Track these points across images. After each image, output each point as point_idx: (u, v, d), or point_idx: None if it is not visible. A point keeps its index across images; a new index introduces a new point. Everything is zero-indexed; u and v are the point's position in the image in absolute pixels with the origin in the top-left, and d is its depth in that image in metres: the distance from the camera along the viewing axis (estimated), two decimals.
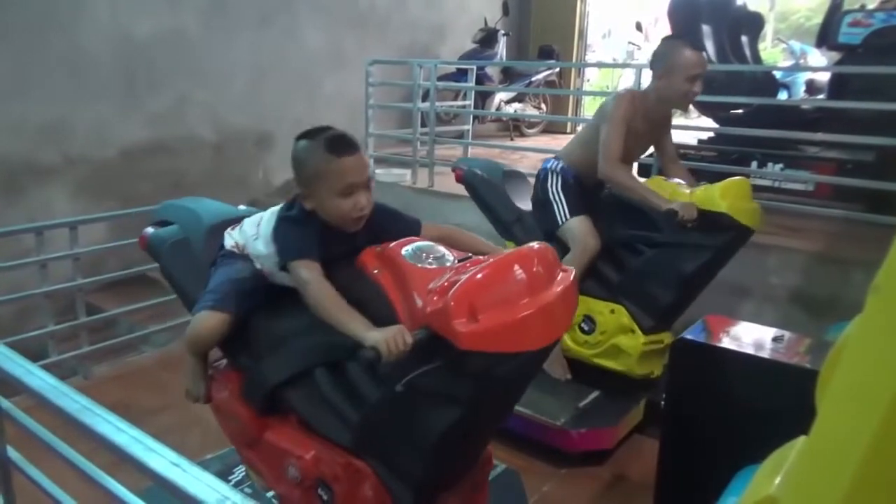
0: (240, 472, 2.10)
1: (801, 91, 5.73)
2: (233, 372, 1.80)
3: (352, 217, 1.51)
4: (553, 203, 2.69)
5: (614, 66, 11.56)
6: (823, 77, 5.28)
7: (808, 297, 3.06)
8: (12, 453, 1.55)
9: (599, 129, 2.58)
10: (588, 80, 9.72)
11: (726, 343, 1.80)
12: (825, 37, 4.14)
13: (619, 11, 11.32)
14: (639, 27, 9.07)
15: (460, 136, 6.02)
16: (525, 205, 2.88)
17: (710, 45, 4.51)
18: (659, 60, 2.51)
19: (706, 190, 2.41)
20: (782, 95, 5.04)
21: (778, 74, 5.05)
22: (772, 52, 10.28)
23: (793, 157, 3.94)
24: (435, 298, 1.21)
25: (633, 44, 10.53)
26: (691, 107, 3.83)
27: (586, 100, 8.09)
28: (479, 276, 1.18)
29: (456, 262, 1.38)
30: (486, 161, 3.20)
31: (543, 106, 7.55)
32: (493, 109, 6.71)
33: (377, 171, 5.12)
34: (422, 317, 1.25)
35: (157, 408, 2.85)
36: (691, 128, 5.62)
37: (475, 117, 6.37)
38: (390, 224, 1.62)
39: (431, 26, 6.95)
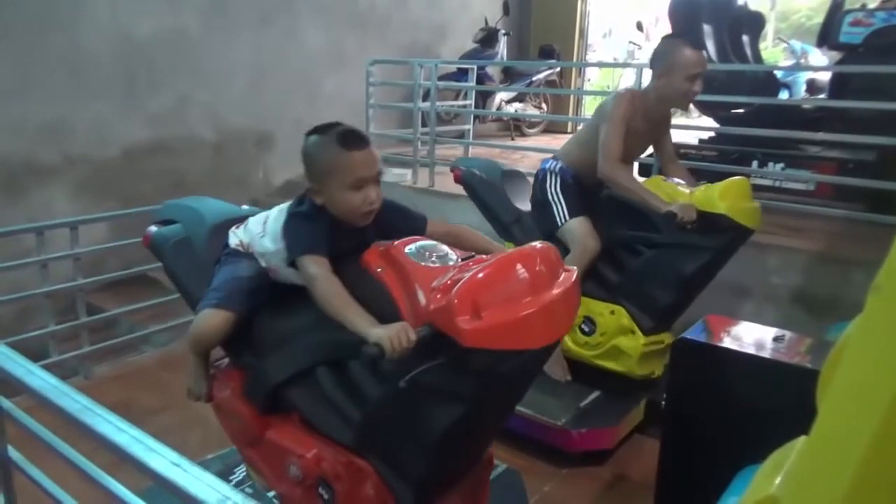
0: (241, 472, 2.10)
1: (801, 90, 5.73)
2: (235, 371, 1.80)
3: (362, 211, 1.52)
4: (552, 204, 2.68)
5: (615, 65, 11.55)
6: (824, 76, 5.28)
7: (809, 296, 3.06)
8: (13, 453, 1.56)
9: (599, 129, 2.56)
10: (589, 80, 9.72)
11: (727, 343, 1.80)
12: (826, 36, 4.13)
13: (619, 11, 11.32)
14: (639, 27, 9.06)
15: (461, 135, 6.02)
16: (525, 205, 2.88)
17: (710, 45, 4.50)
18: (659, 59, 2.50)
19: (706, 190, 2.40)
20: (783, 95, 5.04)
21: (779, 74, 5.05)
22: (773, 52, 10.28)
23: (794, 157, 3.93)
24: (438, 296, 1.22)
25: (634, 43, 10.53)
26: (692, 106, 3.83)
27: (587, 99, 8.08)
28: (483, 274, 1.18)
29: (459, 261, 1.39)
30: (484, 161, 3.20)
31: (544, 106, 7.55)
32: (493, 109, 6.70)
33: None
34: (425, 314, 1.25)
35: (157, 408, 2.85)
36: (692, 127, 5.62)
37: (476, 117, 6.37)
38: (398, 220, 1.64)
39: (432, 26, 6.95)
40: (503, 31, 6.90)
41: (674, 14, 4.62)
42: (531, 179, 2.94)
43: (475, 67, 6.09)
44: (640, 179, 2.65)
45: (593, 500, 2.35)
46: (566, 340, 2.69)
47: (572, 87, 7.89)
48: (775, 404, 1.53)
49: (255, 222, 1.74)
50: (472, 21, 7.10)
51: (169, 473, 0.99)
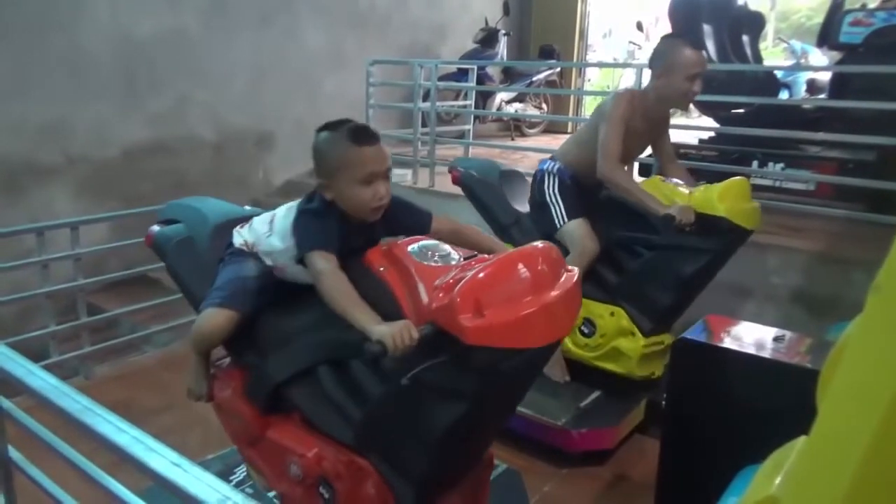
0: (241, 472, 2.10)
1: (802, 90, 5.73)
2: (236, 370, 1.80)
3: (371, 206, 1.53)
4: (550, 206, 2.66)
5: (615, 65, 11.54)
6: (824, 76, 5.28)
7: (810, 296, 3.06)
8: (13, 453, 1.56)
9: (598, 129, 2.55)
10: (589, 80, 9.71)
11: (727, 343, 1.80)
12: (826, 36, 4.13)
13: (619, 11, 11.31)
14: (640, 27, 9.06)
15: (461, 136, 6.02)
16: (524, 206, 2.87)
17: (710, 45, 4.50)
18: (658, 59, 2.49)
19: (704, 192, 2.39)
20: (783, 95, 5.04)
21: (779, 74, 5.05)
22: (773, 52, 10.28)
23: (794, 157, 3.93)
24: (441, 295, 1.23)
25: (634, 43, 10.52)
26: (692, 106, 3.82)
27: (587, 100, 8.08)
28: (485, 273, 1.19)
29: (461, 260, 1.40)
30: (483, 161, 3.19)
31: (544, 106, 7.55)
32: (493, 109, 6.70)
33: None
34: (428, 313, 1.26)
35: (158, 408, 2.85)
36: (692, 127, 5.62)
37: (476, 117, 6.37)
38: (405, 216, 1.66)
39: (432, 26, 6.95)
40: (503, 32, 6.90)
41: (674, 14, 4.62)
42: (530, 179, 2.94)
43: (475, 68, 6.09)
44: (640, 179, 2.65)
45: (594, 500, 2.35)
46: (566, 342, 2.69)
47: (572, 88, 7.88)
48: (775, 404, 1.53)
49: (260, 222, 1.74)
50: (472, 21, 7.10)
51: (169, 473, 0.99)
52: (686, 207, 2.33)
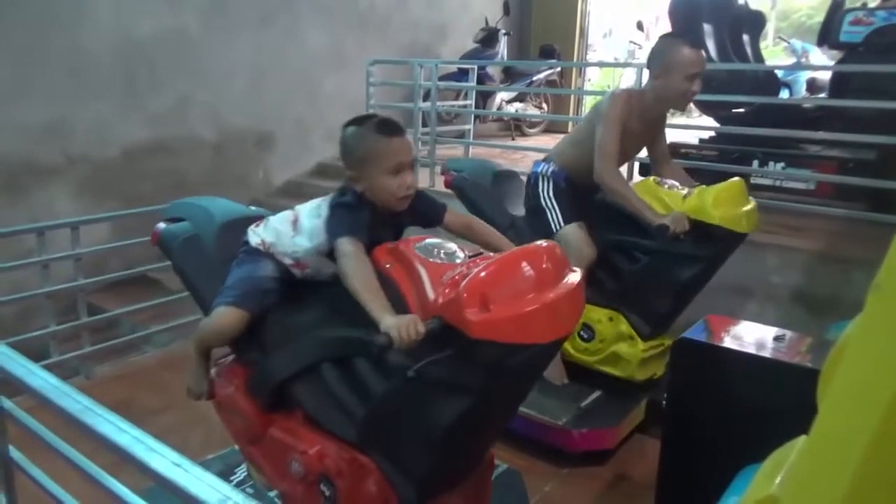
0: (241, 472, 2.10)
1: (802, 90, 5.73)
2: (238, 367, 1.81)
3: (399, 196, 1.57)
4: (546, 210, 2.63)
5: (615, 65, 11.54)
6: (825, 76, 5.27)
7: (810, 296, 3.06)
8: (14, 453, 1.56)
9: (594, 129, 2.52)
10: (589, 80, 9.71)
11: (727, 343, 1.79)
12: (826, 35, 4.13)
13: (620, 10, 11.31)
14: (640, 26, 9.05)
15: (461, 135, 6.02)
16: (520, 208, 2.84)
17: (711, 44, 4.50)
18: (656, 59, 2.46)
19: (699, 196, 2.36)
20: (784, 94, 5.04)
21: (779, 73, 5.05)
22: (773, 51, 10.27)
23: (794, 156, 3.93)
24: (447, 290, 1.25)
25: (635, 43, 10.51)
26: (692, 105, 3.82)
27: (587, 99, 8.07)
28: (491, 269, 1.21)
29: (466, 258, 1.41)
30: (477, 162, 3.15)
31: (545, 105, 7.54)
32: (494, 109, 6.70)
33: None
34: (434, 308, 1.27)
35: (158, 408, 2.85)
36: (692, 127, 5.62)
37: (476, 117, 6.37)
38: (424, 207, 1.70)
39: (432, 26, 6.95)
40: (503, 31, 6.90)
41: (674, 13, 4.62)
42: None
43: (475, 67, 6.09)
44: (638, 179, 2.64)
45: (594, 499, 2.35)
46: (566, 346, 2.66)
47: (573, 87, 7.88)
48: (776, 404, 1.53)
49: (280, 221, 1.75)
50: (472, 21, 7.10)
51: (170, 474, 0.99)
52: (680, 216, 2.31)
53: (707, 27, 4.51)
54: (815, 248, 3.20)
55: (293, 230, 1.70)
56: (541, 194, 2.66)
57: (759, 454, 0.82)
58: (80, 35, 4.35)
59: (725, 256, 2.48)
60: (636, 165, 3.86)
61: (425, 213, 1.70)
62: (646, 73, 2.60)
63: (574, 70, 7.90)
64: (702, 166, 3.76)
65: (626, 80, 9.69)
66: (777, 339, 1.79)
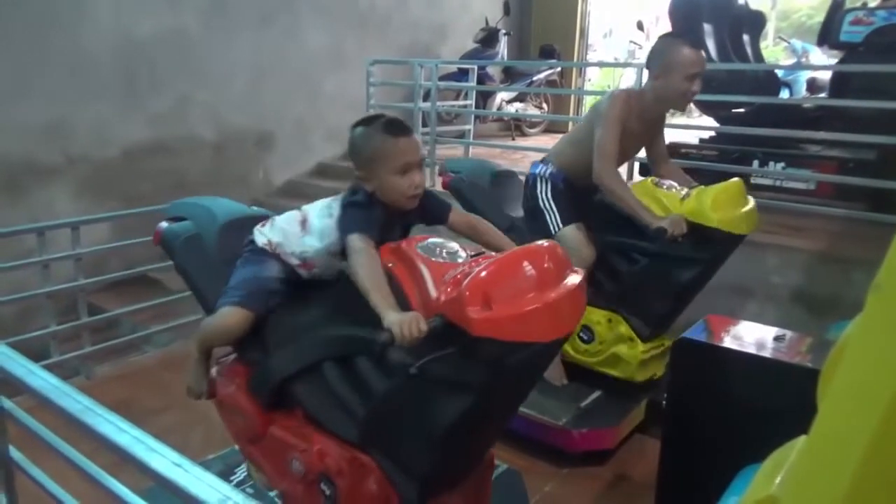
0: (242, 472, 2.11)
1: (802, 90, 5.73)
2: (239, 366, 1.82)
3: (408, 195, 1.59)
4: (544, 211, 2.62)
5: (615, 65, 11.54)
6: (825, 76, 5.27)
7: (810, 296, 3.06)
8: (14, 453, 1.56)
9: (593, 129, 2.50)
10: (589, 80, 9.71)
11: (727, 343, 1.79)
12: (827, 35, 4.13)
13: (620, 10, 11.31)
14: (640, 26, 9.05)
15: (462, 135, 6.02)
16: (519, 209, 2.82)
17: (711, 44, 4.50)
18: (656, 59, 2.44)
19: (697, 198, 2.35)
20: (784, 94, 5.04)
21: (779, 73, 5.05)
22: (773, 51, 10.28)
23: (794, 156, 3.93)
24: (449, 289, 1.25)
25: (635, 43, 10.51)
26: (692, 105, 3.81)
27: (588, 99, 8.07)
28: (493, 268, 1.22)
29: (468, 257, 1.42)
30: (475, 162, 3.13)
31: (545, 105, 7.54)
32: (494, 109, 6.70)
33: None
34: (436, 307, 1.28)
35: (159, 408, 2.85)
36: (692, 127, 5.62)
37: (476, 117, 6.37)
38: (431, 205, 1.71)
39: (432, 26, 6.95)
40: (504, 31, 6.90)
41: (674, 13, 4.62)
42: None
43: (476, 67, 6.09)
44: (638, 179, 2.63)
45: (594, 499, 2.35)
46: (566, 347, 2.66)
47: (573, 87, 7.88)
48: (776, 404, 1.53)
49: (287, 221, 1.75)
50: (472, 21, 7.10)
51: (170, 474, 0.99)
52: (678, 219, 2.30)
53: (707, 27, 4.51)
54: (816, 248, 3.20)
55: (302, 230, 1.70)
56: (539, 196, 2.65)
57: (760, 454, 0.82)
58: (80, 35, 4.35)
59: (724, 258, 2.48)
60: (636, 165, 3.85)
61: (432, 211, 1.72)
62: (646, 74, 2.59)
63: (574, 70, 7.90)
64: (702, 166, 3.76)
65: (627, 80, 9.69)
66: (777, 339, 1.79)
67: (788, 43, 7.69)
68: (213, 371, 1.89)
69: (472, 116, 6.07)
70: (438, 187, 4.63)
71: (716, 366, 1.79)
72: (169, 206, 2.09)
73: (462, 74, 6.28)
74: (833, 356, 0.61)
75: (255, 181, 5.58)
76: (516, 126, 7.21)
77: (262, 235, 1.75)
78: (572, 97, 7.90)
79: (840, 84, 4.01)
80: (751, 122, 4.07)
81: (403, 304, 1.39)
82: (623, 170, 2.89)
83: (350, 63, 5.82)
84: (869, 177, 3.39)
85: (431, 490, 1.53)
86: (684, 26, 4.44)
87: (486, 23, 6.98)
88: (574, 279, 1.28)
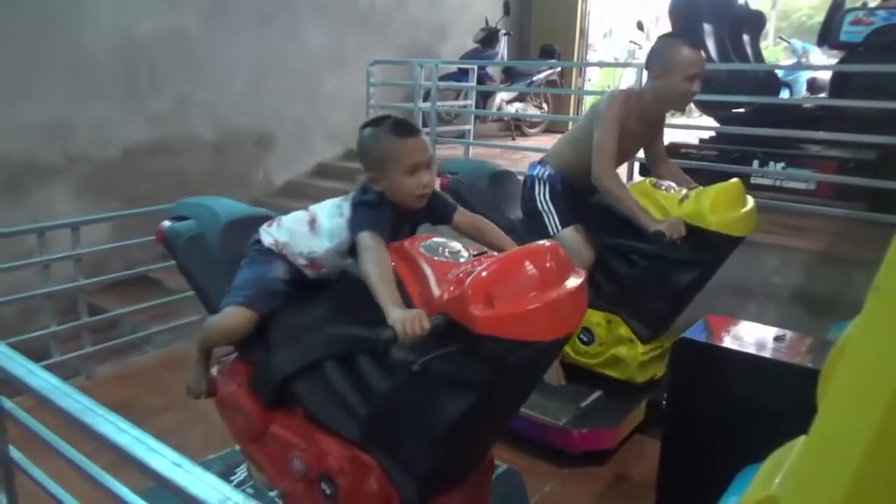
0: (242, 472, 2.11)
1: (802, 90, 5.73)
2: (241, 365, 1.82)
3: (416, 194, 1.60)
4: (543, 213, 2.60)
5: (616, 65, 11.54)
6: (825, 76, 5.27)
7: (810, 296, 3.06)
8: (15, 453, 1.56)
9: (591, 129, 2.49)
10: (589, 80, 9.71)
11: (728, 343, 1.79)
12: (827, 35, 4.13)
13: (620, 10, 11.31)
14: (640, 26, 9.05)
15: (462, 136, 6.02)
16: (518, 210, 2.81)
17: (711, 44, 4.50)
18: (655, 59, 2.43)
19: (696, 200, 2.34)
20: (784, 94, 5.04)
21: (780, 73, 5.05)
22: (773, 51, 10.28)
23: (794, 156, 3.93)
24: (452, 287, 1.26)
25: (635, 43, 10.51)
26: (692, 105, 3.81)
27: (588, 99, 8.06)
28: (496, 267, 1.24)
29: (470, 257, 1.43)
30: (473, 163, 3.12)
31: (545, 105, 7.54)
32: (494, 109, 6.70)
33: None
34: (438, 305, 1.29)
35: (159, 408, 2.85)
36: (692, 127, 5.62)
37: (476, 117, 6.37)
38: (437, 205, 1.73)
39: (432, 26, 6.95)
40: (504, 31, 6.90)
41: (674, 13, 4.62)
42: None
43: (476, 67, 6.09)
44: (638, 179, 2.62)
45: (594, 500, 2.35)
46: (566, 348, 2.65)
47: (573, 87, 7.88)
48: (776, 404, 1.53)
49: (294, 221, 1.75)
50: (472, 21, 7.10)
51: (170, 474, 0.99)
52: (676, 223, 2.29)
53: (707, 27, 4.51)
54: (816, 248, 3.20)
55: (311, 230, 1.71)
56: (537, 198, 2.63)
57: (760, 454, 0.82)
58: (80, 35, 4.35)
59: (723, 259, 2.48)
60: (636, 165, 3.85)
61: (438, 211, 1.73)
62: (646, 74, 2.58)
63: (574, 70, 7.90)
64: (702, 166, 3.76)
65: (627, 79, 9.69)
66: (777, 339, 1.79)
67: (788, 43, 7.69)
68: (214, 370, 1.89)
69: (472, 116, 6.07)
70: (437, 187, 4.64)
71: (716, 366, 1.80)
72: (174, 206, 2.10)
73: (462, 74, 6.28)
74: (833, 357, 0.61)
75: (255, 181, 5.59)
76: (516, 126, 7.21)
77: (269, 235, 1.75)
78: (572, 97, 7.90)
79: (840, 84, 4.01)
80: (751, 122, 4.07)
81: (406, 303, 1.40)
82: (623, 170, 2.89)
83: (350, 63, 5.82)
84: (869, 177, 3.39)
85: (432, 489, 1.54)
86: (684, 26, 4.44)
87: (486, 23, 6.98)
88: (576, 279, 1.29)
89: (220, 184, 4.98)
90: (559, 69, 7.36)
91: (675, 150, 4.04)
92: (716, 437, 1.77)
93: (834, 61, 4.64)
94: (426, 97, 4.99)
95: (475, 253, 1.46)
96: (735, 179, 2.44)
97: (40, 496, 1.51)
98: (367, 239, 1.51)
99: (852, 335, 0.54)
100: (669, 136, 2.87)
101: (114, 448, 1.09)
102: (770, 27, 10.19)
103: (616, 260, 2.62)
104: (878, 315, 0.49)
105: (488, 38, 6.75)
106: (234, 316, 1.68)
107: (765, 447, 0.81)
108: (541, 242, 1.33)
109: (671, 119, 3.52)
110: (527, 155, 5.66)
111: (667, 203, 2.42)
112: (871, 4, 4.35)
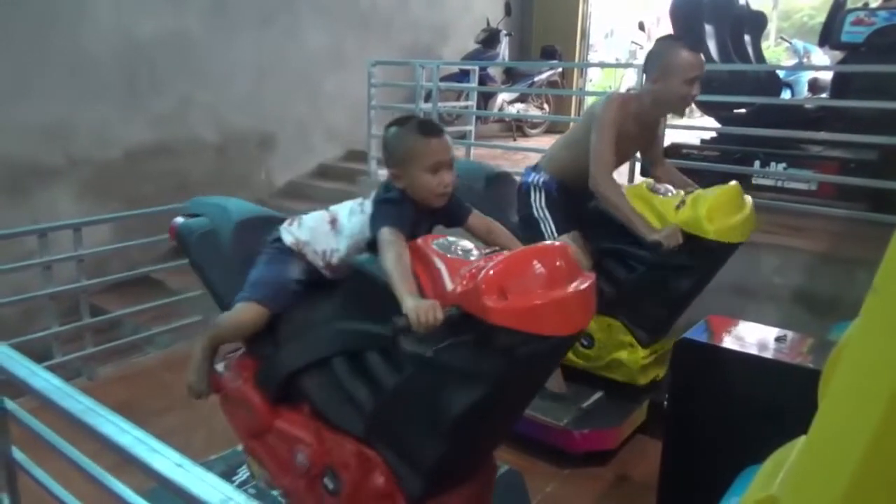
0: (244, 472, 2.11)
1: (804, 90, 5.71)
2: (247, 360, 1.83)
3: (437, 193, 1.63)
4: (539, 221, 2.57)
5: (616, 66, 11.53)
6: (826, 76, 5.27)
7: (812, 296, 3.06)
8: (17, 454, 1.56)
9: (588, 131, 2.45)
10: (591, 81, 9.71)
11: (729, 343, 1.80)
12: (828, 36, 4.12)
13: (621, 11, 11.31)
14: (641, 27, 9.05)
15: (463, 136, 6.00)
16: (514, 213, 2.78)
17: (712, 45, 4.49)
18: (654, 62, 2.39)
19: (693, 206, 2.32)
20: (785, 94, 5.03)
21: (781, 73, 5.04)
22: (775, 51, 10.27)
23: (796, 157, 3.92)
24: (465, 281, 1.30)
25: (636, 43, 10.51)
26: (693, 106, 3.80)
27: (589, 100, 8.07)
28: (509, 262, 1.29)
29: (481, 255, 1.46)
30: (470, 164, 3.09)
31: (546, 106, 7.54)
32: (495, 110, 6.70)
33: (380, 171, 5.12)
34: (452, 298, 1.32)
35: (161, 408, 2.85)
36: (693, 127, 5.61)
37: (478, 118, 6.37)
38: (453, 206, 1.76)
39: (433, 27, 6.96)
40: (505, 32, 6.90)
41: (675, 14, 4.61)
42: None
43: (477, 68, 6.08)
44: (639, 179, 2.62)
45: (596, 500, 2.35)
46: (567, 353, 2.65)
47: (574, 88, 7.88)
48: (777, 404, 1.53)
49: (314, 220, 1.78)
50: (473, 22, 7.10)
51: (172, 474, 1.00)
52: (673, 231, 2.28)
53: (708, 27, 4.51)
54: (817, 248, 3.20)
55: (332, 229, 1.74)
56: (533, 205, 2.60)
57: (761, 455, 0.82)
58: (80, 36, 4.36)
59: (722, 264, 2.47)
60: (637, 166, 3.85)
61: (454, 212, 1.76)
62: (644, 76, 2.57)
63: (575, 71, 7.90)
64: (703, 167, 3.76)
65: (628, 80, 9.68)
66: (778, 339, 1.79)
67: (790, 43, 7.68)
68: (220, 366, 1.90)
69: (474, 117, 6.07)
70: None
71: (717, 366, 1.80)
72: (187, 204, 2.13)
73: (463, 75, 6.28)
74: (832, 357, 0.61)
75: (257, 182, 5.59)
76: (518, 127, 7.21)
77: (290, 234, 1.78)
78: (574, 98, 7.90)
79: (841, 84, 4.01)
80: (752, 122, 4.06)
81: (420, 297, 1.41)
82: (624, 170, 2.88)
83: (351, 64, 5.83)
84: (870, 177, 3.39)
85: (436, 486, 1.54)
86: (685, 27, 4.44)
87: (488, 23, 6.98)
88: (585, 279, 1.33)
89: (222, 185, 4.98)
90: (560, 70, 7.36)
91: (677, 150, 4.04)
92: (717, 438, 1.77)
93: (835, 62, 4.63)
94: (427, 98, 4.99)
95: (486, 251, 1.50)
96: (733, 182, 2.42)
97: (43, 497, 1.52)
98: (388, 234, 1.54)
99: (852, 336, 0.54)
100: (670, 137, 2.87)
101: (116, 449, 1.09)
102: (771, 27, 10.19)
103: (615, 265, 2.61)
104: (877, 316, 0.49)
105: (489, 39, 6.75)
106: (246, 311, 1.71)
107: (766, 447, 0.81)
108: (550, 242, 1.37)
109: (672, 119, 3.51)
110: (528, 156, 5.65)
111: (663, 208, 2.40)
112: (873, 5, 4.34)
